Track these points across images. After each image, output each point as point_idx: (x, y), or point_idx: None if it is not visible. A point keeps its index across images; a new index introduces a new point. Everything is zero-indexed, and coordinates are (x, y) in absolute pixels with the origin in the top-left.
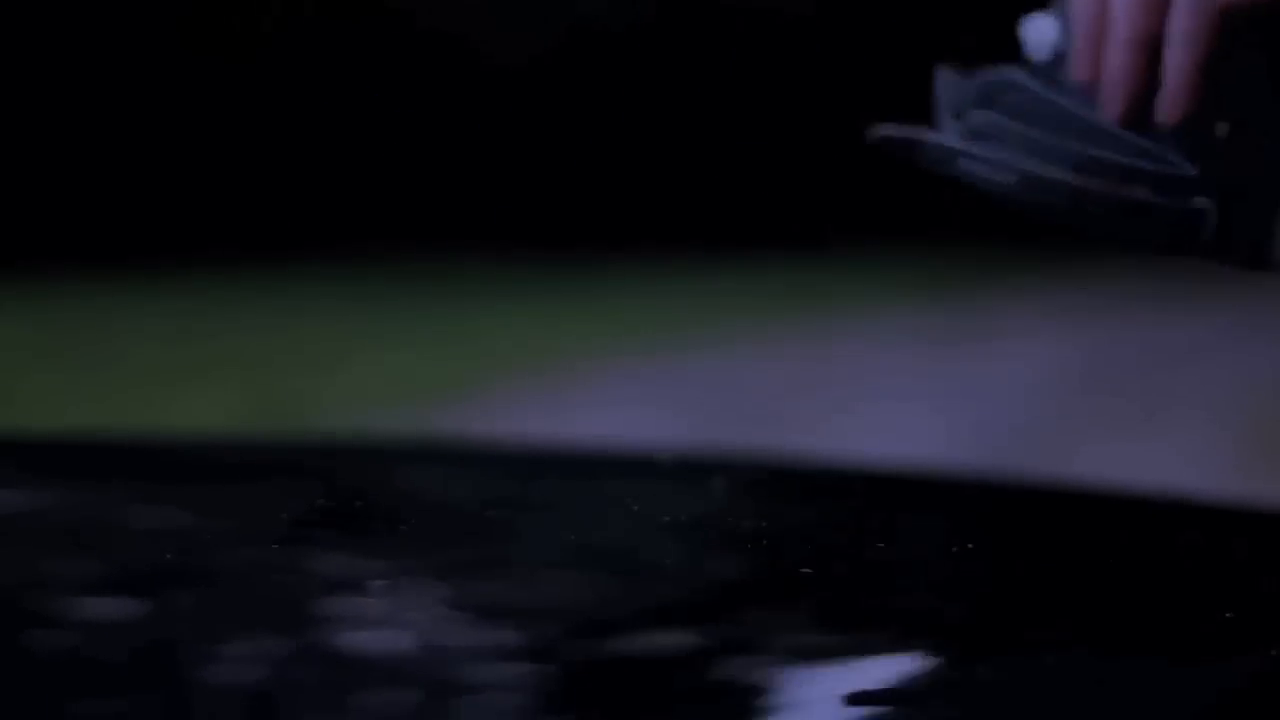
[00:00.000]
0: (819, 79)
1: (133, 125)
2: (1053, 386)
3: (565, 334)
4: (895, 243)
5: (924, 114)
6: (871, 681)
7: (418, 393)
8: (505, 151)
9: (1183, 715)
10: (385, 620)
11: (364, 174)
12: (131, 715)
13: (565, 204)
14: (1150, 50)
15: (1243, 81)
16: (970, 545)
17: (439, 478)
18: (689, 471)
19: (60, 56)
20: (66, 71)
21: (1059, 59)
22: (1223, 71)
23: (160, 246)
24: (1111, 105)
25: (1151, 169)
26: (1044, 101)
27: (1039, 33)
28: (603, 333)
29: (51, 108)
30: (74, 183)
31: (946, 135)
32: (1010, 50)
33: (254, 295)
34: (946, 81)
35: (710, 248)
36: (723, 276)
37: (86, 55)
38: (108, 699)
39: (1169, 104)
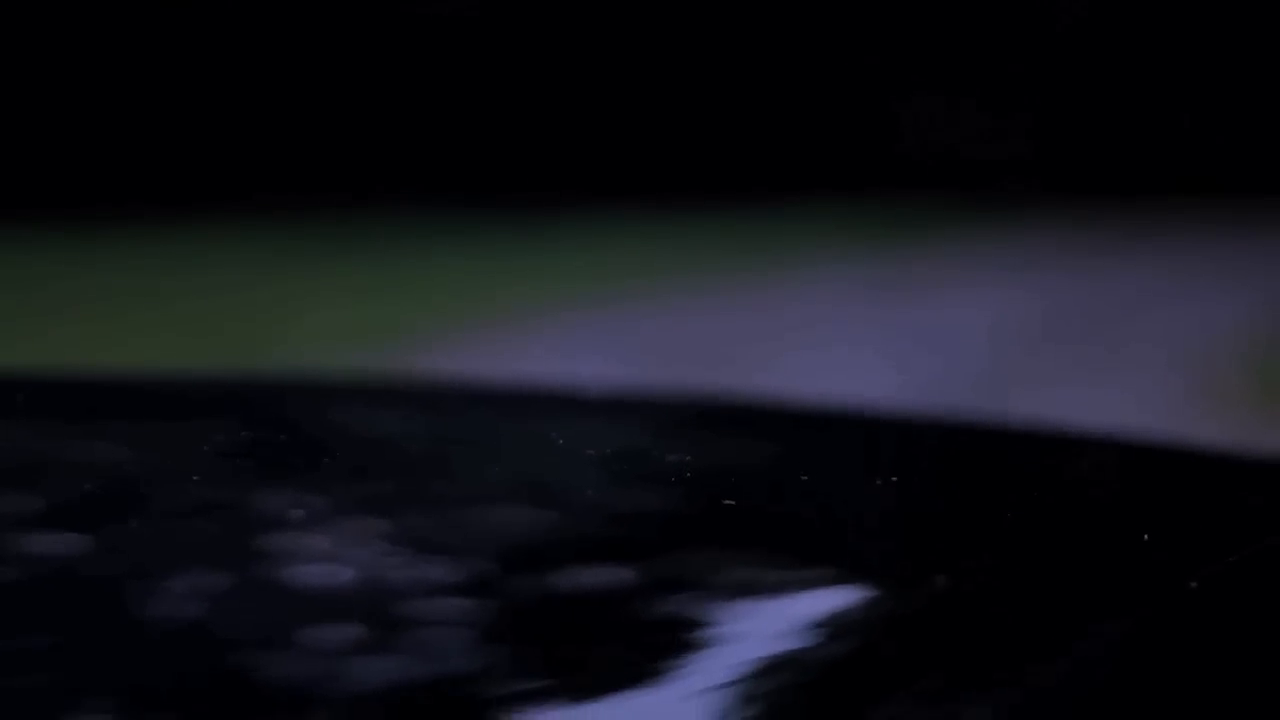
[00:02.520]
0: (766, 28)
1: (69, 79)
2: (999, 334)
3: (511, 283)
4: (844, 194)
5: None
6: (807, 615)
7: (363, 340)
8: (451, 102)
9: (1105, 644)
10: (324, 555)
11: (309, 125)
12: (70, 651)
13: (512, 155)
14: None
15: None
16: (908, 481)
17: (377, 414)
18: (626, 408)
19: None
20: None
21: None
22: None
23: (105, 197)
24: None
25: None
26: None
27: None
28: (549, 281)
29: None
30: (20, 134)
31: None
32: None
33: (200, 245)
34: None
35: (657, 198)
36: (670, 226)
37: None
38: (44, 635)
39: None
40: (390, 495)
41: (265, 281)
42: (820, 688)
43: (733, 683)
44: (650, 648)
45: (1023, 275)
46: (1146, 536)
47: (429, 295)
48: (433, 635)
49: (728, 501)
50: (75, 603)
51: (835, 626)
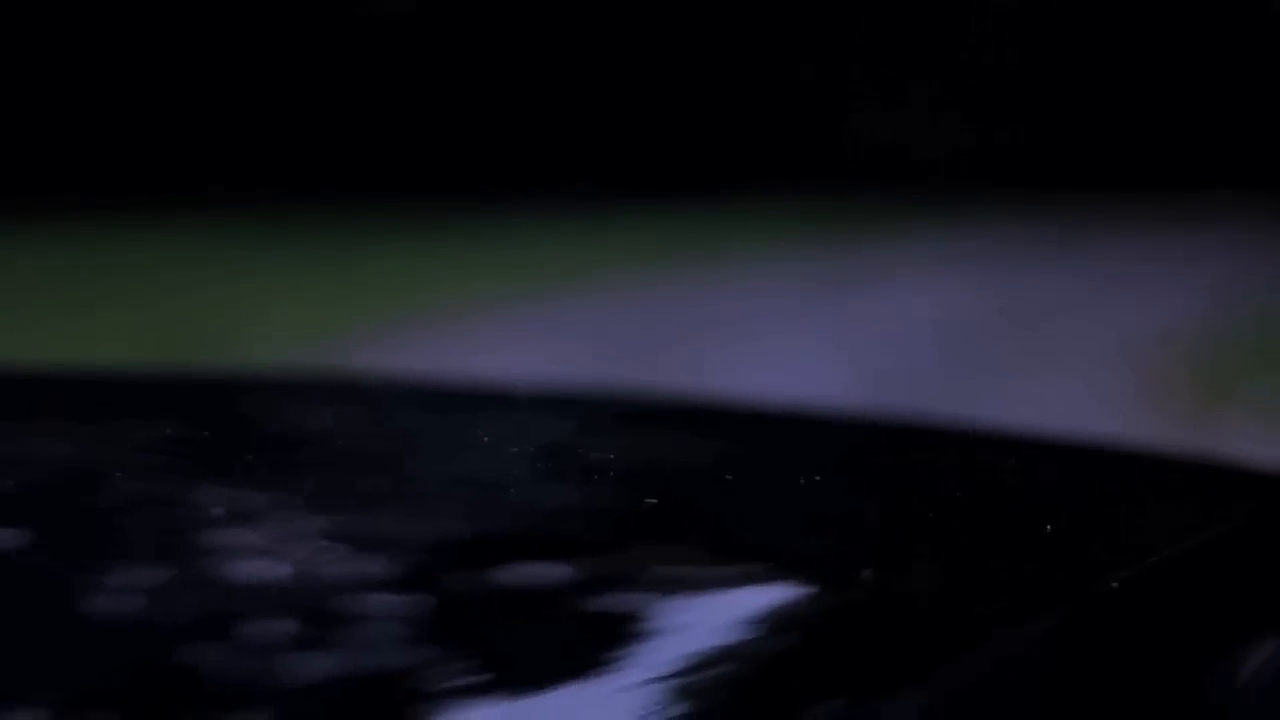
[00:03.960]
0: (712, 24)
1: (15, 77)
2: (943, 330)
3: (454, 278)
4: (789, 188)
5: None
6: (741, 610)
7: (304, 336)
8: (390, 100)
9: (1027, 642)
10: (261, 550)
11: (251, 123)
12: (4, 646)
13: (453, 150)
14: None
15: None
16: (842, 478)
17: (314, 411)
18: (564, 405)
19: None
20: None
21: None
22: None
23: (48, 193)
24: None
25: None
26: None
27: None
28: (492, 277)
29: None
30: None
31: None
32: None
33: (143, 241)
34: None
35: (601, 193)
36: (614, 221)
37: None
38: None
39: None
40: (328, 491)
41: (205, 278)
42: (755, 682)
43: (668, 677)
44: (586, 642)
45: (967, 270)
46: (1072, 535)
47: (370, 291)
48: (370, 630)
49: (663, 498)
50: (11, 598)
51: (769, 622)
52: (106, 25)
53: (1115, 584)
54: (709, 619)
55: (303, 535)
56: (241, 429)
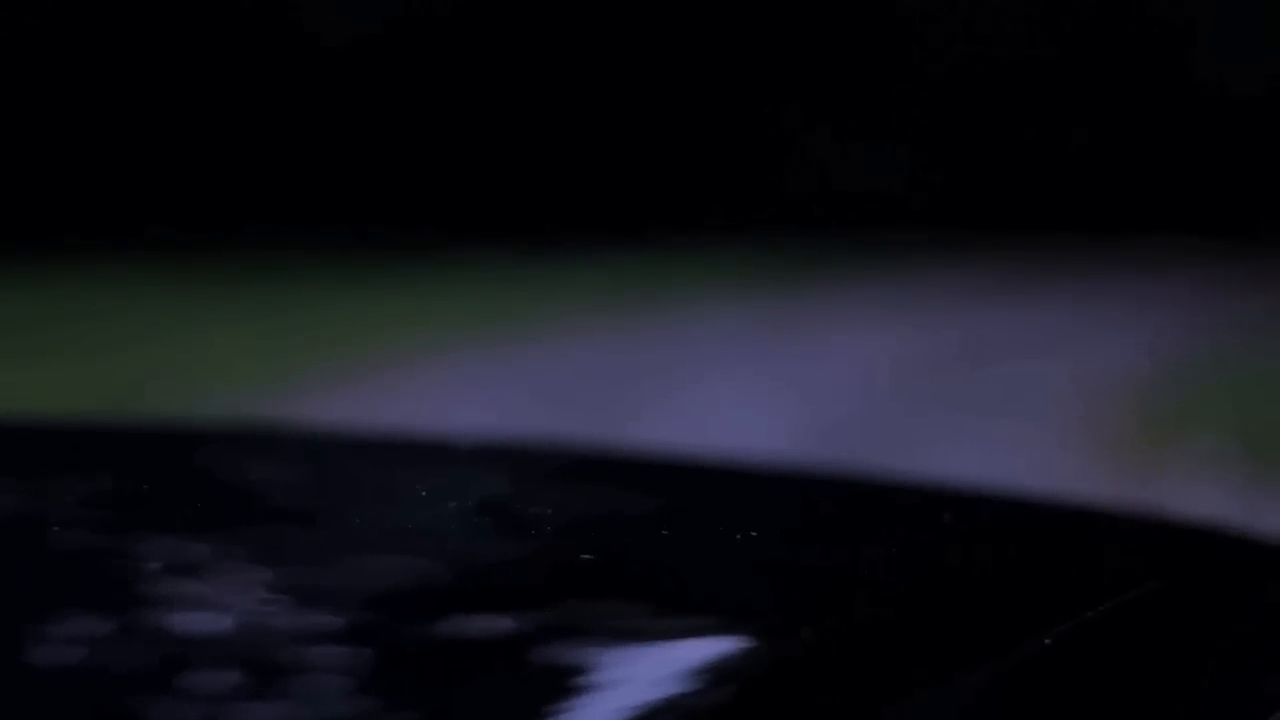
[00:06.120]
0: (654, 70)
1: None
2: (882, 377)
3: (393, 327)
4: (730, 234)
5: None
6: (682, 663)
7: (244, 379)
8: (335, 143)
9: (962, 696)
10: (204, 602)
11: (192, 158)
12: None
13: (397, 196)
14: None
15: None
16: (781, 532)
17: (259, 463)
18: (507, 458)
19: None
20: None
21: None
22: None
23: None
24: None
25: None
26: None
27: None
28: (435, 324)
29: None
30: None
31: None
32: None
33: (81, 281)
34: None
35: (543, 239)
36: (555, 268)
37: None
38: None
39: None
40: (270, 543)
41: (143, 328)
42: None
43: None
44: (530, 694)
45: (909, 316)
46: (1006, 590)
47: (314, 338)
48: (313, 682)
49: (603, 551)
50: None
51: (707, 674)
52: (40, 70)
53: (1048, 640)
54: (648, 672)
55: (245, 587)
56: (182, 481)
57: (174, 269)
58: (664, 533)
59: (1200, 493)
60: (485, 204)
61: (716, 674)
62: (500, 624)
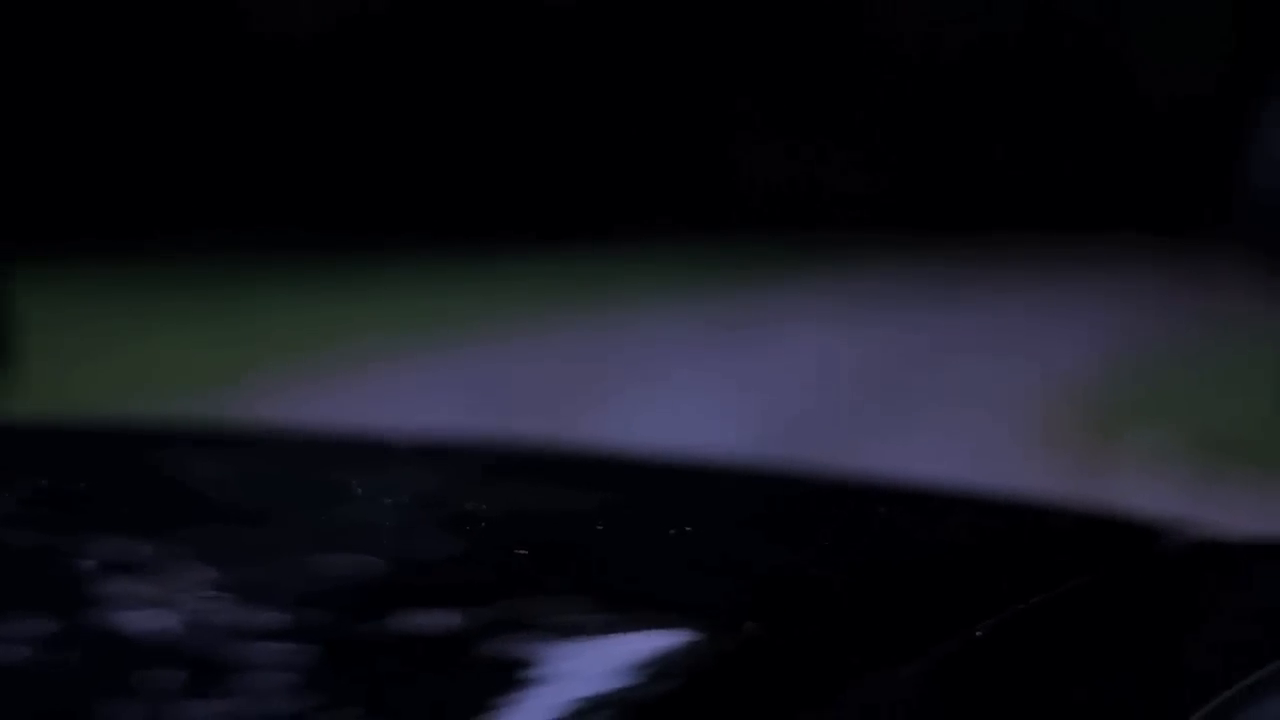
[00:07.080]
0: (605, 70)
1: None
2: (834, 376)
3: (342, 328)
4: (681, 235)
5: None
6: (626, 658)
7: (197, 380)
8: (286, 144)
9: (900, 686)
10: (150, 600)
11: (142, 163)
12: None
13: (347, 197)
14: None
15: None
16: (726, 528)
17: (207, 462)
18: (455, 456)
19: None
20: None
21: None
22: None
23: None
24: None
25: None
26: None
27: None
28: (387, 325)
29: None
30: None
31: None
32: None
33: (33, 286)
34: None
35: (494, 240)
36: (506, 269)
37: None
38: None
39: None
40: (216, 542)
41: (94, 327)
42: None
43: None
44: (475, 689)
45: (859, 316)
46: (943, 583)
47: (266, 339)
48: (258, 679)
49: (546, 547)
50: None
51: (652, 669)
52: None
53: (979, 632)
54: (590, 667)
55: (189, 586)
56: (126, 480)
57: (123, 273)
58: (607, 529)
59: (1149, 487)
60: (436, 206)
61: (658, 669)
62: (444, 620)
